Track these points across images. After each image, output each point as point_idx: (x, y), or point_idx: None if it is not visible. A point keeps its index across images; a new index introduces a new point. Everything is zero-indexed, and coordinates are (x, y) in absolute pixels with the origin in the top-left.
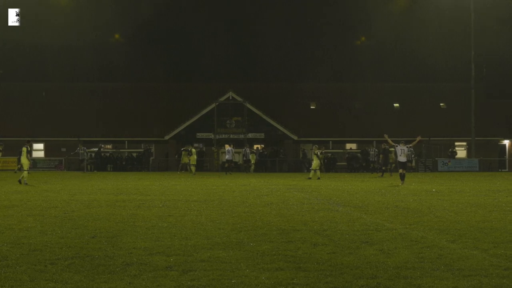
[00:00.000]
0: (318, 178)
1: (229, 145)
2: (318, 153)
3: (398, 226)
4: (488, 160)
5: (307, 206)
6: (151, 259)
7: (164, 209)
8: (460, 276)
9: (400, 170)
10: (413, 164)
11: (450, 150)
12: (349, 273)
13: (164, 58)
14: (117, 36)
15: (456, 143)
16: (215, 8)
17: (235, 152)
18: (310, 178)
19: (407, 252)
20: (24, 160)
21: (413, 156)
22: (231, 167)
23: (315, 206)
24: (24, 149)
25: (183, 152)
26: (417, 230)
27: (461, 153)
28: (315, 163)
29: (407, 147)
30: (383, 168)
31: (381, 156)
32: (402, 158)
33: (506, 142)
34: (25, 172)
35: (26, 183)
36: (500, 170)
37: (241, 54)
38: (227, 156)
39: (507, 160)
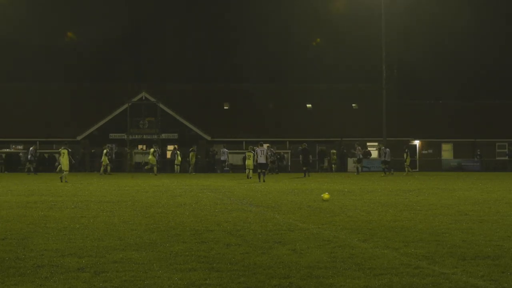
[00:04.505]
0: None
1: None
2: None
3: (311, 226)
4: (399, 160)
5: (220, 206)
6: (63, 261)
7: (76, 210)
8: (371, 275)
9: (259, 170)
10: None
11: (364, 150)
12: (262, 273)
13: (77, 58)
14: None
15: (368, 144)
16: (128, 9)
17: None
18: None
19: (319, 251)
20: (65, 161)
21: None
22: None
23: (228, 206)
24: (65, 151)
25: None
26: (329, 229)
27: (373, 153)
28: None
29: (269, 149)
30: (304, 168)
31: (301, 156)
32: (261, 159)
33: (417, 142)
34: (66, 171)
35: (66, 181)
36: (410, 169)
37: (155, 55)
38: (222, 157)
39: (417, 160)
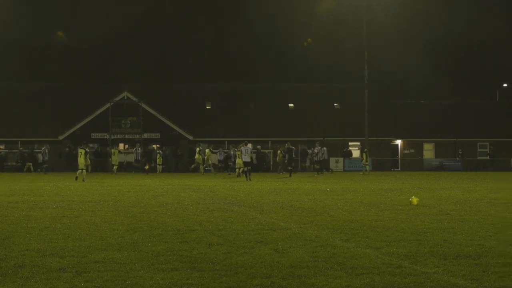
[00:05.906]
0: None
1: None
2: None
3: (293, 226)
4: (381, 160)
5: (202, 206)
6: (44, 261)
7: (58, 210)
8: (353, 274)
9: (245, 168)
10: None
11: (344, 149)
12: (243, 273)
13: (59, 58)
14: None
15: (350, 143)
16: (112, 10)
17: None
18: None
19: (301, 251)
20: (82, 160)
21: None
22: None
23: (211, 206)
24: (82, 150)
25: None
26: (312, 229)
27: (355, 153)
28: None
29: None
30: (290, 168)
31: (286, 156)
32: (246, 158)
33: (398, 142)
34: (83, 170)
35: (84, 180)
36: (392, 169)
37: (137, 55)
38: (219, 157)
39: (399, 160)
